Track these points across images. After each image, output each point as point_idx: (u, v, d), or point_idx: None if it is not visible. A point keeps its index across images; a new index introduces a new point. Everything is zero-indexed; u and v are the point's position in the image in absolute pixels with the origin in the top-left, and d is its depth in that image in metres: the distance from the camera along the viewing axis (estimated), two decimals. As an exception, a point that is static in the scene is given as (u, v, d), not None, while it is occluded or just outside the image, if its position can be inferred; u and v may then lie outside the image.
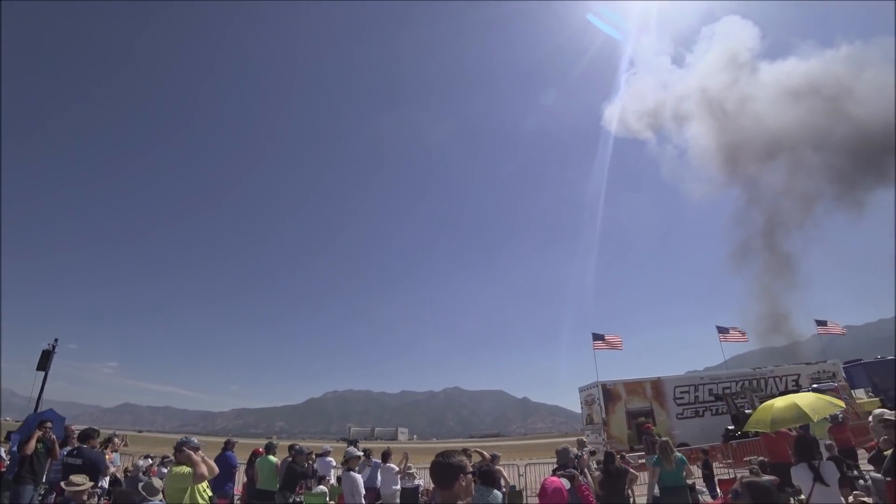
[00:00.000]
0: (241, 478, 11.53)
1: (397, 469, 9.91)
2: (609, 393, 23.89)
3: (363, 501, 6.70)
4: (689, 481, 8.14)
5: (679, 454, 7.95)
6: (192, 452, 5.06)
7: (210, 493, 5.33)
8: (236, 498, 11.42)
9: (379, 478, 10.23)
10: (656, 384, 24.91)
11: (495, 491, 3.85)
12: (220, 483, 9.89)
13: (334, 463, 12.13)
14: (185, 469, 4.96)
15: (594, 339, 26.38)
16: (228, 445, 10.34)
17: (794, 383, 25.86)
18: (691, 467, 9.94)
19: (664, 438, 8.16)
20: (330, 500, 9.71)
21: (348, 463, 7.52)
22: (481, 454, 7.79)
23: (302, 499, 7.61)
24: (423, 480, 12.23)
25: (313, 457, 8.55)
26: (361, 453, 7.48)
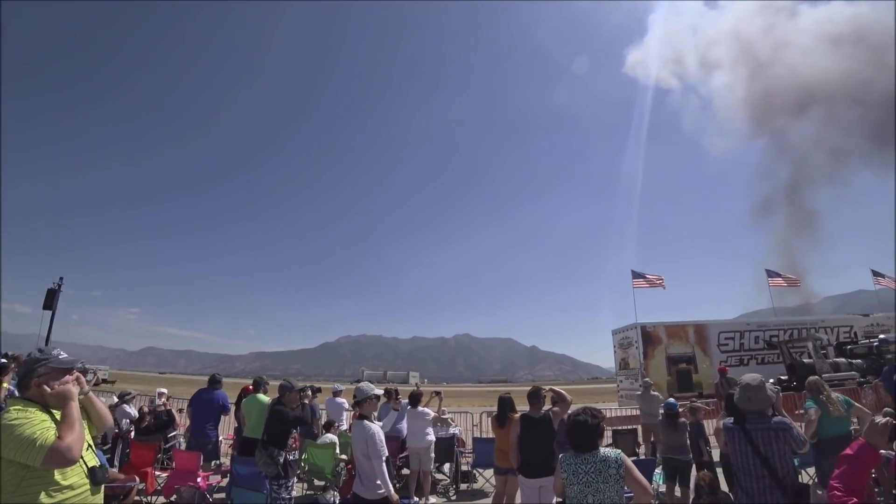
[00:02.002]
0: (231, 421, 9.48)
1: (432, 414, 7.73)
2: (649, 336, 21.66)
3: (382, 459, 4.00)
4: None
5: (840, 395, 5.69)
6: (66, 387, 2.39)
7: (92, 463, 2.44)
8: (226, 444, 9.45)
9: (405, 425, 8.13)
10: (700, 328, 22.60)
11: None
12: (201, 425, 7.85)
13: (347, 405, 10.11)
14: (36, 416, 2.23)
15: (634, 277, 23.79)
16: (214, 383, 8.21)
17: (846, 335, 23.57)
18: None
19: (814, 378, 5.85)
20: (342, 452, 7.64)
21: (361, 407, 4.45)
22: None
23: (294, 456, 5.26)
24: (460, 428, 10.20)
25: (309, 393, 5.89)
26: (379, 392, 5.27)
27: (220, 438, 9.65)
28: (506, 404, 6.06)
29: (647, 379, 11.68)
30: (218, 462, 8.20)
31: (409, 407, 7.78)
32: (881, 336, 22.04)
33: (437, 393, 8.57)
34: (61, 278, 42.54)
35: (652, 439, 10.17)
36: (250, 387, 7.56)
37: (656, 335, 21.81)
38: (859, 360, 20.83)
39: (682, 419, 6.83)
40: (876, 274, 28.47)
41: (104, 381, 50.80)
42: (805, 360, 20.24)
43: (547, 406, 5.61)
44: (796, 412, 12.83)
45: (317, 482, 7.83)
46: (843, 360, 20.46)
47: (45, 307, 43.14)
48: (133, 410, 9.09)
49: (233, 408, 8.06)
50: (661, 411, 7.05)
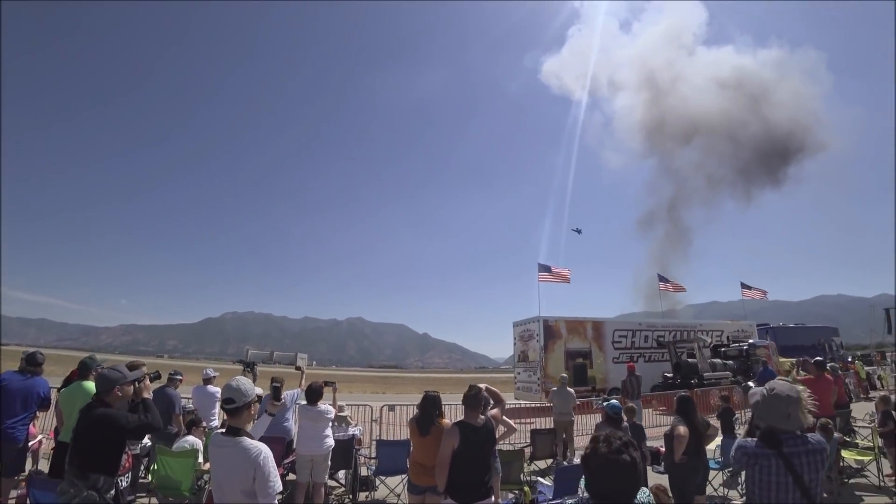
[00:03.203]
0: (50, 416, 7.18)
1: (333, 412, 6.14)
2: (550, 329, 21.66)
3: (275, 499, 2.49)
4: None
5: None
6: None
7: None
8: (41, 441, 7.21)
9: (292, 423, 6.56)
10: (598, 325, 23.23)
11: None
12: (17, 425, 5.51)
13: (219, 395, 8.16)
14: None
15: (540, 271, 23.75)
16: (32, 365, 5.73)
17: (718, 338, 25.88)
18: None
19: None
20: (206, 461, 5.61)
21: (238, 418, 2.84)
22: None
23: (128, 479, 3.38)
24: (360, 427, 8.77)
25: (146, 382, 3.78)
26: (260, 392, 3.59)
27: (40, 439, 7.41)
28: (432, 405, 4.80)
29: (563, 374, 11.03)
30: (24, 475, 5.85)
31: (303, 403, 6.08)
32: (750, 341, 24.30)
33: (330, 384, 7.06)
34: None
35: (564, 437, 9.67)
36: (76, 370, 5.44)
37: (557, 329, 21.90)
38: (731, 362, 22.84)
39: (625, 423, 6.10)
40: (744, 286, 31.40)
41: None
42: (689, 360, 21.59)
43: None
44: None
45: (169, 499, 5.72)
46: (718, 360, 22.45)
47: None
48: None
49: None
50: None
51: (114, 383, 3.43)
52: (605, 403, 6.18)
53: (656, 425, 13.23)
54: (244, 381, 2.84)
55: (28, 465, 6.26)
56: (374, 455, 7.83)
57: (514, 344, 24.13)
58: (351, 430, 7.72)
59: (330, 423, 6.08)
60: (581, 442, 11.45)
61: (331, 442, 6.04)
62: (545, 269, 23.90)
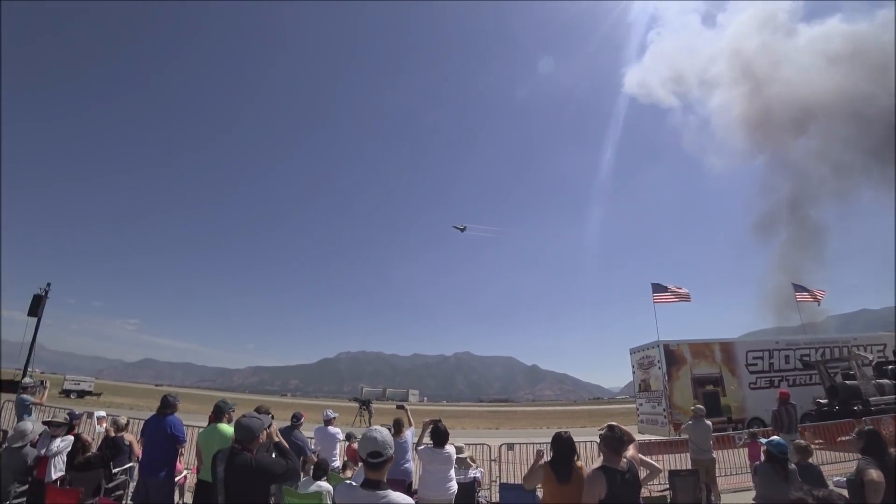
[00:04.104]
0: (191, 455, 7.66)
1: (454, 453, 5.73)
2: (672, 355, 19.84)
3: None
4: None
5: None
6: None
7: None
8: (186, 476, 7.63)
9: (411, 464, 6.33)
10: (727, 347, 20.82)
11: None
12: (155, 461, 6.05)
13: (341, 436, 8.27)
14: None
15: (655, 291, 22.01)
16: (166, 406, 6.14)
17: (879, 354, 21.60)
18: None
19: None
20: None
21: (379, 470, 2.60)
22: None
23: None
24: (482, 469, 8.30)
25: (273, 426, 3.73)
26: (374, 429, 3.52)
27: (185, 474, 7.89)
28: (569, 448, 4.20)
29: (698, 405, 9.55)
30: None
31: (429, 445, 5.71)
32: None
33: (401, 407, 6.85)
34: (48, 284, 40.57)
35: (705, 481, 8.35)
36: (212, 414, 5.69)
37: (680, 354, 20.01)
38: (902, 382, 19.00)
39: (792, 465, 5.07)
40: (798, 288, 26.26)
41: (88, 393, 49.01)
42: (846, 382, 18.39)
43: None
44: (839, 440, 11.10)
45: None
46: (886, 381, 18.53)
47: (31, 314, 41.16)
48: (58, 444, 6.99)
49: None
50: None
51: (255, 433, 3.48)
52: (766, 441, 5.20)
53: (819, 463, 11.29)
54: (385, 432, 2.69)
55: (175, 498, 6.65)
56: (496, 500, 7.33)
57: (633, 372, 22.43)
58: (472, 473, 7.28)
59: (452, 465, 5.73)
60: (725, 484, 10.03)
61: (455, 486, 5.67)
62: (661, 288, 22.11)
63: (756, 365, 20.85)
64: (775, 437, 5.31)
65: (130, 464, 7.46)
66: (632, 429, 4.25)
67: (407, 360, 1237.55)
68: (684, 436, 9.34)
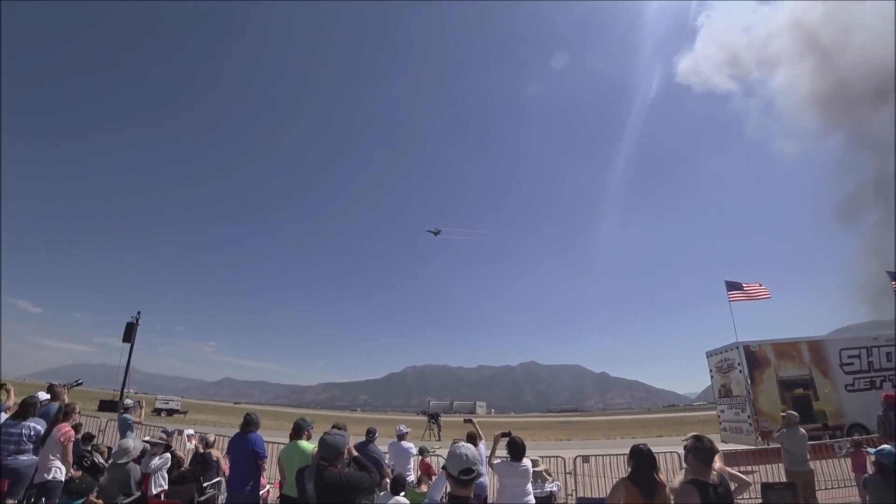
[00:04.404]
0: (273, 471, 7.97)
1: (531, 467, 5.58)
2: (754, 357, 18.60)
3: None
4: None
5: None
6: None
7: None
8: (269, 490, 7.95)
9: (485, 478, 6.26)
10: (816, 346, 19.21)
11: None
12: (240, 476, 6.40)
13: (415, 450, 8.31)
14: None
15: (729, 290, 20.79)
16: (250, 424, 6.58)
17: None
18: None
19: None
20: None
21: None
22: None
23: None
24: (558, 482, 8.14)
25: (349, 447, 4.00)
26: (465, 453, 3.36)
27: (268, 489, 8.26)
28: (649, 461, 4.00)
29: (791, 412, 8.71)
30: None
31: (506, 458, 5.59)
32: None
33: (469, 420, 6.74)
34: (138, 312, 44.11)
35: (804, 496, 7.61)
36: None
37: (763, 356, 18.72)
38: None
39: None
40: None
41: (176, 411, 52.30)
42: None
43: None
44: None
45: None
46: None
47: (125, 340, 44.91)
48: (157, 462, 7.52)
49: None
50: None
51: (340, 449, 3.64)
52: (874, 450, 4.74)
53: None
54: (473, 448, 2.69)
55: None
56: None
57: (712, 377, 21.24)
58: (548, 486, 7.09)
59: (529, 478, 5.61)
60: (826, 498, 9.25)
61: (532, 501, 5.51)
62: (735, 286, 20.85)
63: (852, 364, 19.13)
64: (886, 447, 4.78)
65: (218, 478, 7.92)
66: (714, 437, 4.05)
67: (472, 371, 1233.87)
68: (776, 445, 8.66)
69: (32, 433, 6.09)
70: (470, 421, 7.27)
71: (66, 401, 7.32)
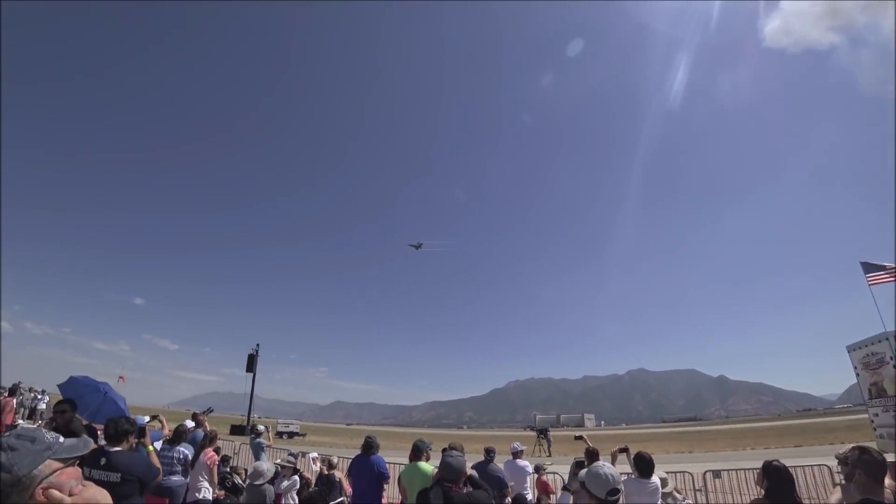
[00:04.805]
0: (392, 489, 8.19)
1: (661, 485, 5.19)
2: (910, 349, 16.23)
3: None
4: None
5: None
6: None
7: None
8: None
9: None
10: None
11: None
12: (363, 497, 6.63)
13: (531, 468, 8.08)
14: None
15: (867, 272, 18.23)
16: (368, 448, 6.89)
17: None
18: None
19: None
20: None
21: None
22: None
23: None
24: (690, 501, 7.59)
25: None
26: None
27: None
28: (787, 480, 3.47)
29: None
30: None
31: (632, 476, 5.33)
32: None
33: (624, 450, 6.29)
34: (258, 344, 47.99)
35: None
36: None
37: (919, 348, 16.27)
38: None
39: None
40: None
41: (296, 434, 55.71)
42: None
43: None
44: None
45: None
46: None
47: (248, 370, 48.98)
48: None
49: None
50: None
51: (462, 471, 3.70)
52: None
53: None
54: (611, 468, 2.66)
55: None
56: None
57: (857, 374, 18.73)
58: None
59: (658, 497, 5.23)
60: None
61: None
62: (874, 267, 18.24)
63: None
64: None
65: (341, 498, 8.30)
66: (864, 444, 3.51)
67: (577, 383, 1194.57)
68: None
69: (181, 457, 6.82)
70: (581, 437, 7.00)
71: (208, 427, 8.08)
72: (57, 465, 1.55)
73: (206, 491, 6.80)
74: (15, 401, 13.99)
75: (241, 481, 8.25)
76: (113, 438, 4.22)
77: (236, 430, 39.61)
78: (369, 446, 6.88)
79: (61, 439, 1.55)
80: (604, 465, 2.54)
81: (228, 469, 8.81)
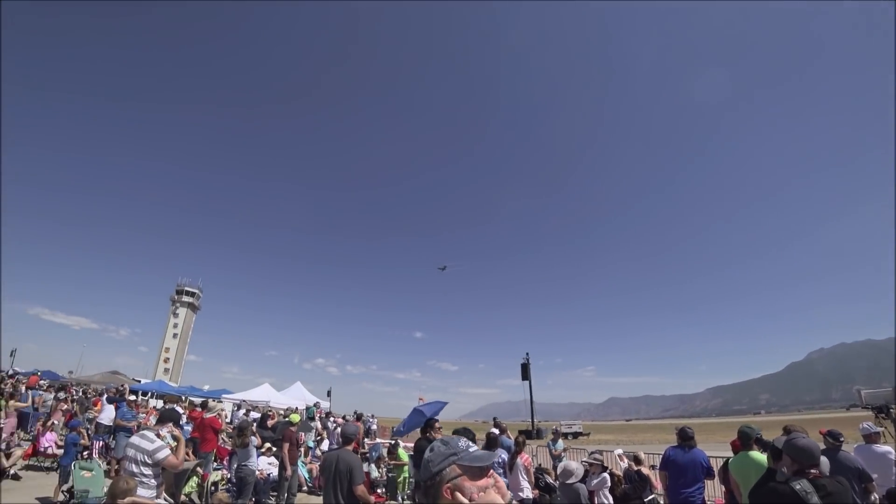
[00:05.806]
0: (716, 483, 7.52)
1: None
2: None
3: None
4: None
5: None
6: None
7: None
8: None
9: None
10: None
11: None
12: (679, 491, 6.33)
13: (893, 455, 6.41)
14: None
15: None
16: (686, 439, 6.53)
17: None
18: None
19: None
20: None
21: None
22: None
23: None
24: None
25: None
26: None
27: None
28: None
29: None
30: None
31: None
32: None
33: None
34: (527, 353, 50.90)
35: None
36: (737, 440, 5.53)
37: None
38: None
39: None
40: None
41: (580, 433, 56.25)
42: None
43: None
44: None
45: None
46: None
47: (523, 378, 52.17)
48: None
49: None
50: None
51: (819, 453, 3.21)
52: None
53: None
54: None
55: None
56: None
57: None
58: None
59: None
60: None
61: None
62: None
63: None
64: None
65: (652, 496, 8.11)
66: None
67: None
68: None
69: (499, 461, 7.64)
70: None
71: (509, 435, 8.94)
72: (458, 470, 1.88)
73: (527, 490, 7.48)
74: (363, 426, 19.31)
75: (552, 481, 8.80)
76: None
77: (523, 433, 42.29)
78: (686, 437, 6.52)
79: (471, 448, 1.91)
80: None
81: (539, 469, 9.50)
